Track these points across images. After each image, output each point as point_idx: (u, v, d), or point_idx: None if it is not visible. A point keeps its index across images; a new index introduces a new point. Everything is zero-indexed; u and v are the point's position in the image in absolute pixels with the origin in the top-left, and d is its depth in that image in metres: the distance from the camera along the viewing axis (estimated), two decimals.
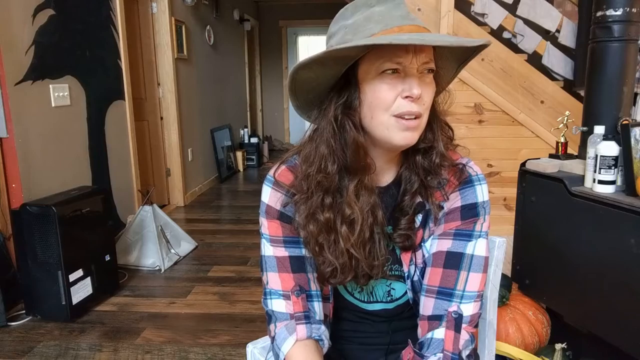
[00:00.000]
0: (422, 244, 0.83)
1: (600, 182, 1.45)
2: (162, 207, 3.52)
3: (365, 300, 0.89)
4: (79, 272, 2.18)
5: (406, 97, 0.70)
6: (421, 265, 0.83)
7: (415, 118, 0.71)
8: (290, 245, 0.81)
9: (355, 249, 0.77)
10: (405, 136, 0.72)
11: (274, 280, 0.81)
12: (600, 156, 1.44)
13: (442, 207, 0.81)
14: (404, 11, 0.73)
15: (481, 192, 0.81)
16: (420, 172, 0.79)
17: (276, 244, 0.82)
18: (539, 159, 1.79)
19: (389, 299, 0.88)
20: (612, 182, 1.44)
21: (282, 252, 0.81)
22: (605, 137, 1.45)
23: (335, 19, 0.77)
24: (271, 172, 0.83)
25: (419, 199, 0.80)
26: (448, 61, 0.80)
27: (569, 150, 1.79)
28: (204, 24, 4.78)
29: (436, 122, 0.79)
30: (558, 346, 1.61)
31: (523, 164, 1.79)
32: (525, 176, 1.77)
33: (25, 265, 2.11)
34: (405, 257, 0.84)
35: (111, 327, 2.11)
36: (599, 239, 1.47)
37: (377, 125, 0.73)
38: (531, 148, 2.59)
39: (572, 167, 1.67)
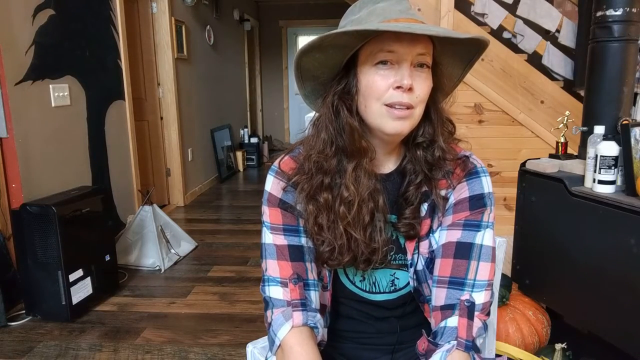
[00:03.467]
0: (431, 234, 0.84)
1: (600, 182, 1.45)
2: (162, 207, 3.52)
3: (368, 290, 0.90)
4: (79, 272, 2.18)
5: (397, 87, 0.73)
6: (426, 256, 0.84)
7: (407, 109, 0.74)
8: (289, 233, 0.83)
9: (353, 230, 0.79)
10: (395, 125, 0.75)
11: (272, 267, 0.83)
12: (600, 156, 1.44)
13: (447, 198, 0.83)
14: (404, 6, 0.77)
15: (487, 183, 0.83)
16: (423, 165, 0.81)
17: (276, 231, 0.84)
18: (539, 159, 1.79)
19: (392, 288, 0.89)
20: (612, 182, 1.44)
21: (282, 240, 0.83)
22: (605, 137, 1.45)
23: (345, 14, 0.81)
24: (276, 161, 0.86)
25: (424, 189, 0.82)
26: (452, 60, 0.82)
27: (569, 150, 1.79)
28: (204, 24, 4.78)
29: (437, 117, 0.81)
30: (558, 346, 1.61)
31: (523, 164, 1.79)
32: (525, 176, 1.77)
33: (25, 265, 2.11)
34: (410, 246, 0.85)
35: (111, 327, 2.11)
36: (599, 239, 1.47)
37: (370, 113, 0.76)
38: (531, 148, 2.59)
39: (572, 167, 1.67)
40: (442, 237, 0.82)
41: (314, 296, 0.84)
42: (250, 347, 1.08)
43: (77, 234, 2.17)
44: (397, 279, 0.88)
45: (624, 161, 1.41)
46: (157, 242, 2.77)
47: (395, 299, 0.90)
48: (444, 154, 0.81)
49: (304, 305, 0.81)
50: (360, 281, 0.89)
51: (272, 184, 0.84)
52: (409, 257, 0.85)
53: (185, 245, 3.05)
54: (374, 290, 0.89)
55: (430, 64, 0.76)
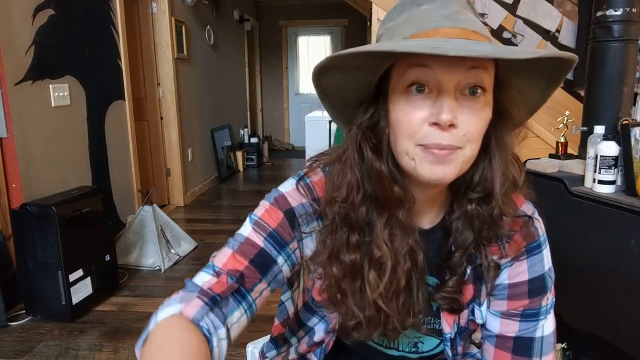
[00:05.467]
0: (475, 306, 0.71)
1: (600, 182, 1.45)
2: (162, 207, 3.52)
3: (385, 345, 0.78)
4: (79, 272, 2.18)
5: (433, 123, 0.54)
6: (463, 325, 0.73)
7: (448, 149, 0.55)
8: (271, 241, 0.65)
9: (385, 301, 0.63)
10: (433, 171, 0.56)
11: (221, 257, 0.64)
12: (600, 156, 1.44)
13: (499, 266, 0.68)
14: (451, 10, 0.57)
15: (547, 257, 0.71)
16: (475, 223, 0.64)
17: (259, 229, 0.66)
18: (539, 159, 1.79)
19: (413, 350, 0.77)
20: (612, 182, 1.44)
21: (259, 241, 0.65)
22: (605, 137, 1.45)
23: (383, 19, 0.65)
24: (308, 171, 0.69)
25: (471, 252, 0.67)
26: (526, 80, 0.61)
27: (569, 150, 1.79)
28: (204, 24, 4.78)
29: (499, 158, 0.62)
30: (558, 346, 1.61)
31: (523, 164, 1.79)
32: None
33: (25, 265, 2.11)
34: (449, 318, 0.71)
35: (111, 327, 2.11)
36: (599, 239, 1.47)
37: (401, 154, 0.58)
38: (531, 148, 2.59)
39: (572, 167, 1.67)
40: (495, 324, 0.71)
41: (237, 315, 0.61)
42: (250, 347, 1.09)
43: (77, 234, 2.17)
44: (422, 343, 0.76)
45: (624, 161, 1.41)
46: (157, 242, 2.77)
47: (414, 358, 0.78)
48: (502, 211, 0.63)
49: (214, 301, 0.58)
50: (378, 336, 0.74)
51: (292, 191, 0.67)
52: (445, 329, 0.72)
53: (185, 245, 3.05)
54: (391, 346, 0.77)
55: (487, 86, 0.56)
